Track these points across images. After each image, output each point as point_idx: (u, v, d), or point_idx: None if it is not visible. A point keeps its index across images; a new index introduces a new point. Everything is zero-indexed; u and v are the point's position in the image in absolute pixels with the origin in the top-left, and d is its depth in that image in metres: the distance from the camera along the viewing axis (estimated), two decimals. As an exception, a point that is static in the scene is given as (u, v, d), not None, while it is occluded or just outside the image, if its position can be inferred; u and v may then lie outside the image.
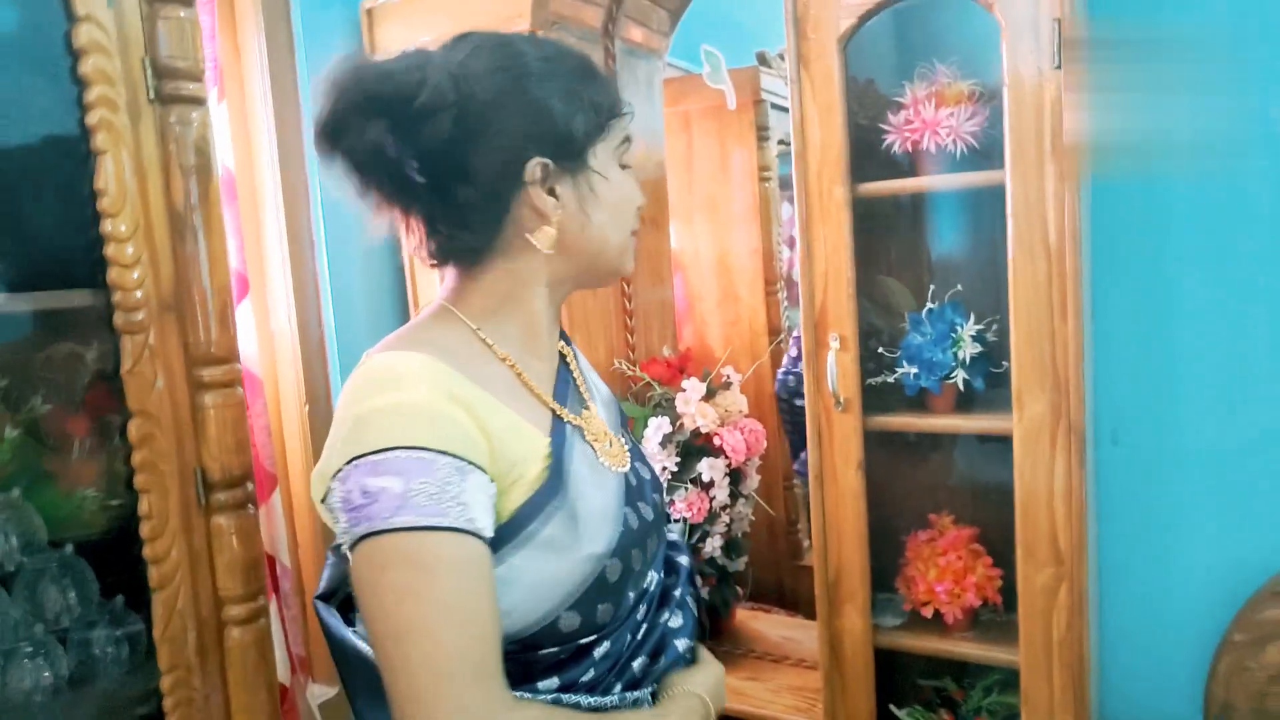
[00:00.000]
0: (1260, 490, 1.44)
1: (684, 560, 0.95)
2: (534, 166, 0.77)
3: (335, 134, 0.75)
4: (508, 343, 0.82)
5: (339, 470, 0.70)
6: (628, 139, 0.84)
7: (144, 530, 1.04)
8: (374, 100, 0.73)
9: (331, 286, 1.77)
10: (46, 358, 1.14)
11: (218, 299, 1.09)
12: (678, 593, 0.91)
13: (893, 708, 1.58)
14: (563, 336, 0.92)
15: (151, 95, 1.04)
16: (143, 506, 1.04)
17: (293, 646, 1.72)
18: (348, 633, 0.80)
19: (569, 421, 0.82)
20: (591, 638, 0.78)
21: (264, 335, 1.72)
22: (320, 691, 1.78)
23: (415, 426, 0.69)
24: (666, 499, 0.97)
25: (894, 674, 1.58)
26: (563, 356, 0.90)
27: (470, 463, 0.70)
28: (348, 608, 0.84)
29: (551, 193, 0.78)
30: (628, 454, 0.86)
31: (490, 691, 0.68)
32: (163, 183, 1.05)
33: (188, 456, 1.08)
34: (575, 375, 0.90)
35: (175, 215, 1.06)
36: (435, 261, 0.82)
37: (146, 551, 1.05)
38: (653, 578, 0.87)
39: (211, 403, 1.09)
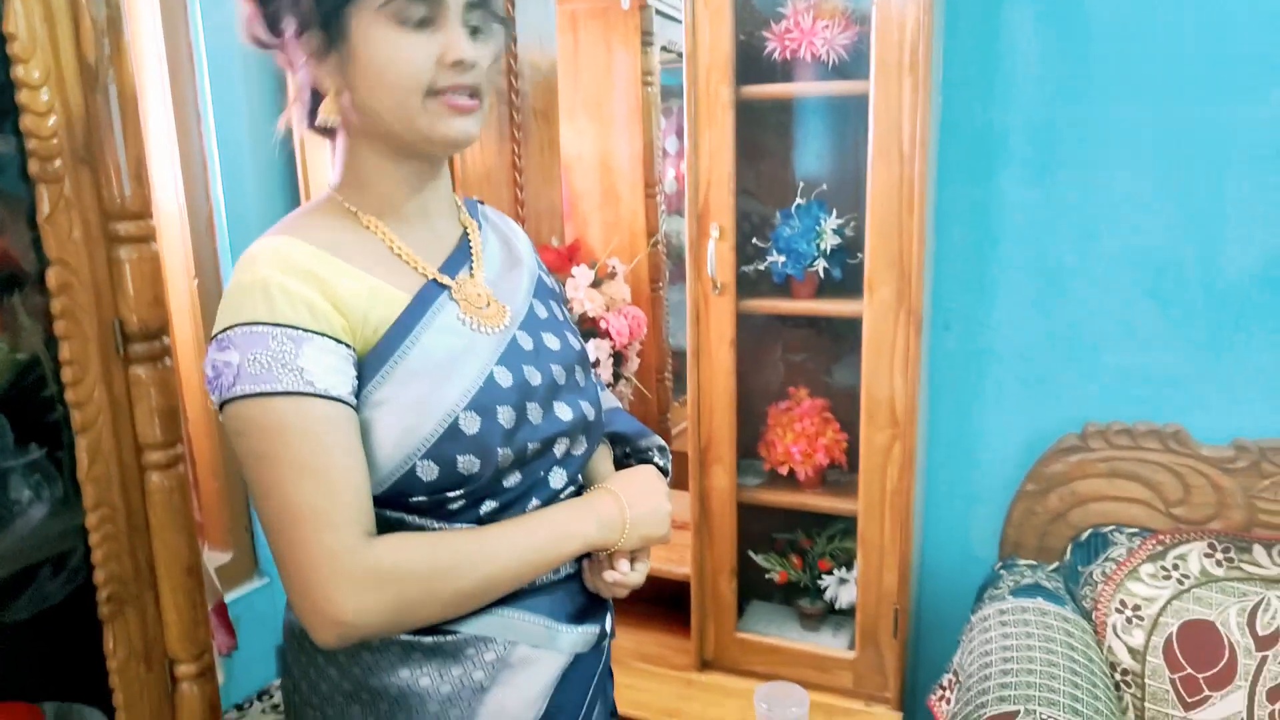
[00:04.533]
0: (1056, 370, 1.74)
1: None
2: (306, 39, 0.81)
3: None
4: (378, 212, 0.87)
5: (208, 346, 0.80)
6: None
7: (65, 375, 1.07)
8: None
9: (220, 163, 1.76)
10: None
11: (131, 154, 1.11)
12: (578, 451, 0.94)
13: (751, 554, 1.81)
14: (478, 213, 0.98)
15: (58, -62, 1.03)
16: (63, 353, 1.07)
17: (188, 513, 1.76)
18: None
19: (441, 283, 0.86)
20: (460, 492, 0.82)
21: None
22: (215, 557, 1.85)
23: (250, 304, 0.77)
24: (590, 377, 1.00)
25: (753, 528, 1.81)
26: (467, 229, 0.94)
27: (308, 330, 0.77)
28: None
29: (325, 62, 0.82)
30: (507, 315, 0.89)
31: (350, 535, 0.75)
32: (73, 33, 1.05)
33: (105, 308, 1.11)
34: (474, 246, 0.93)
35: (87, 68, 1.06)
36: (311, 129, 0.90)
37: (69, 395, 1.08)
38: (566, 451, 0.91)
39: (127, 256, 1.11)
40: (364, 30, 0.79)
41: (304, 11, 0.80)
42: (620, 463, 1.06)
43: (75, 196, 1.07)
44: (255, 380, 0.75)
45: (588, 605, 0.94)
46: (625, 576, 0.92)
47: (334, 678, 0.87)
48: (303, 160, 1.84)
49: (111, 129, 1.09)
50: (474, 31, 0.82)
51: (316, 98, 0.86)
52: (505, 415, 0.84)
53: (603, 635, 0.95)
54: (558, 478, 0.91)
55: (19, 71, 1.00)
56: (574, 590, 0.93)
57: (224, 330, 0.78)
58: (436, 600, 0.80)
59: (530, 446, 0.86)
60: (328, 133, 0.89)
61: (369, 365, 0.81)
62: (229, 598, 1.79)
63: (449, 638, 0.84)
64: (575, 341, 0.98)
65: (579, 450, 0.94)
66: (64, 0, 1.03)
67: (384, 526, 0.81)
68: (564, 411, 0.91)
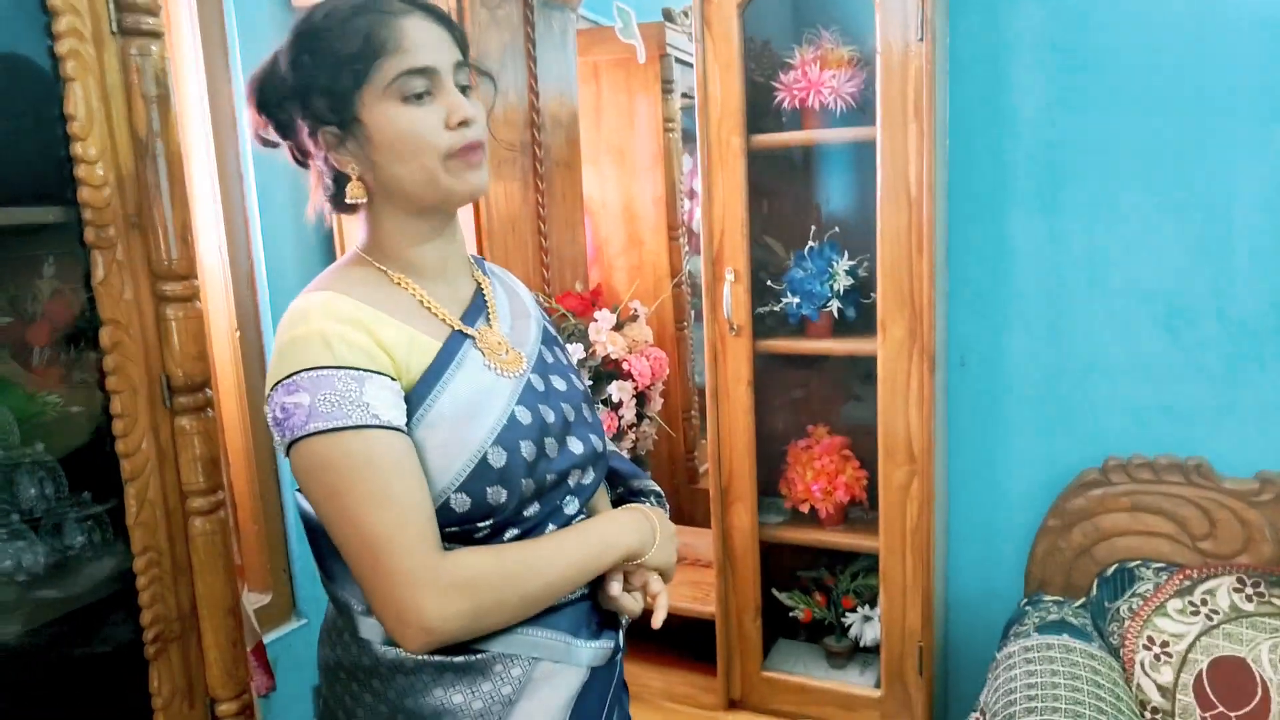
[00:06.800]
0: (1073, 405, 1.75)
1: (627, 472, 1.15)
2: (321, 135, 0.91)
3: None
4: (404, 271, 0.95)
5: (269, 394, 0.86)
6: (409, 72, 0.87)
7: (117, 427, 1.15)
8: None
9: (261, 222, 1.86)
10: (6, 272, 1.22)
11: (178, 220, 1.19)
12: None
13: (775, 592, 1.83)
14: (486, 269, 1.06)
15: (114, 27, 1.12)
16: (115, 406, 1.14)
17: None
18: (305, 505, 0.94)
19: (465, 333, 0.94)
20: (489, 522, 0.89)
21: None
22: (255, 599, 1.91)
23: (313, 351, 0.84)
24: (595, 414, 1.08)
25: (777, 566, 1.83)
26: (480, 284, 1.03)
27: (366, 370, 0.85)
28: None
29: (348, 151, 0.91)
30: (524, 361, 0.97)
31: (425, 553, 0.83)
32: (126, 110, 1.14)
33: (153, 363, 1.19)
34: (488, 299, 1.01)
35: (138, 141, 1.15)
36: (336, 210, 0.99)
37: (119, 446, 1.15)
38: (578, 481, 0.99)
39: (174, 314, 1.19)
40: (374, 113, 0.88)
41: (316, 111, 0.89)
42: (618, 502, 1.12)
43: (127, 260, 1.15)
44: (327, 417, 0.82)
45: (601, 622, 1.00)
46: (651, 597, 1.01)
47: (369, 703, 0.93)
48: (337, 218, 1.93)
49: (160, 195, 1.18)
50: (464, 90, 0.92)
51: (339, 180, 0.95)
52: (527, 449, 0.92)
53: (616, 649, 1.01)
54: (571, 506, 0.98)
55: (78, 149, 1.09)
56: (588, 609, 0.99)
57: (289, 376, 0.84)
58: (507, 605, 0.88)
59: (549, 477, 0.94)
60: (352, 208, 0.97)
61: (409, 405, 0.88)
62: (267, 639, 1.84)
63: (478, 656, 0.90)
64: (579, 382, 1.06)
65: (589, 480, 1.02)
66: (119, 80, 1.13)
67: None
68: (576, 445, 0.99)
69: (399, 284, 0.94)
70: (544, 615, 0.93)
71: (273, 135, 0.96)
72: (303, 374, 0.83)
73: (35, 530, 1.19)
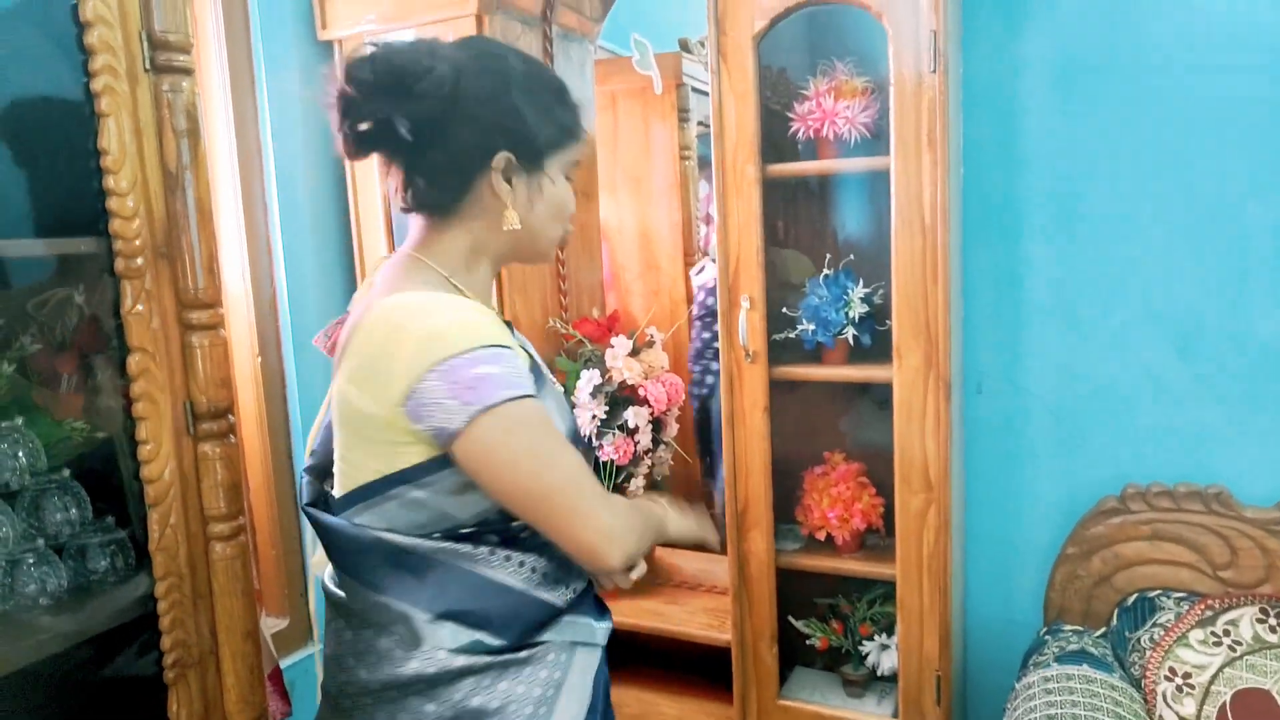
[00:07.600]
0: (1091, 431, 1.74)
1: None
2: (500, 157, 0.99)
3: (351, 102, 0.96)
4: (475, 293, 1.04)
5: (427, 371, 0.89)
6: (578, 161, 1.07)
7: (141, 453, 1.17)
8: (386, 74, 0.95)
9: (284, 250, 1.89)
10: (38, 301, 1.25)
11: (205, 250, 1.22)
12: None
13: (791, 619, 1.82)
14: None
15: (147, 65, 1.15)
16: (140, 432, 1.17)
17: (248, 580, 1.84)
18: (344, 523, 0.98)
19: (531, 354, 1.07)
20: None
21: (218, 291, 1.83)
22: (272, 623, 1.92)
23: (482, 331, 0.93)
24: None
25: (793, 593, 1.82)
26: (499, 312, 1.14)
27: (515, 352, 0.96)
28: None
29: (509, 182, 1.00)
30: (556, 379, 1.15)
31: (603, 490, 0.97)
32: (157, 144, 1.17)
33: (178, 390, 1.21)
34: (511, 324, 1.13)
35: (168, 174, 1.18)
36: (407, 207, 1.03)
37: (144, 472, 1.17)
38: None
39: (199, 342, 1.22)
40: (555, 171, 1.04)
41: (518, 138, 1.00)
42: None
43: (155, 289, 1.18)
44: (516, 386, 0.92)
45: (603, 605, 1.13)
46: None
47: (432, 711, 0.97)
48: (359, 245, 1.96)
49: (188, 227, 1.21)
50: None
51: (436, 184, 1.00)
52: (583, 450, 1.07)
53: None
54: None
55: (110, 182, 1.12)
56: (593, 594, 1.12)
57: (468, 350, 0.90)
58: (645, 538, 1.03)
59: None
60: (437, 210, 1.03)
61: None
62: (284, 664, 1.85)
63: (537, 648, 1.01)
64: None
65: None
66: (151, 116, 1.16)
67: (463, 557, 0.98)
68: (588, 456, 1.15)
69: (467, 297, 1.03)
70: (576, 603, 1.05)
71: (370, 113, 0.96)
72: (481, 350, 0.91)
73: (60, 555, 1.21)
